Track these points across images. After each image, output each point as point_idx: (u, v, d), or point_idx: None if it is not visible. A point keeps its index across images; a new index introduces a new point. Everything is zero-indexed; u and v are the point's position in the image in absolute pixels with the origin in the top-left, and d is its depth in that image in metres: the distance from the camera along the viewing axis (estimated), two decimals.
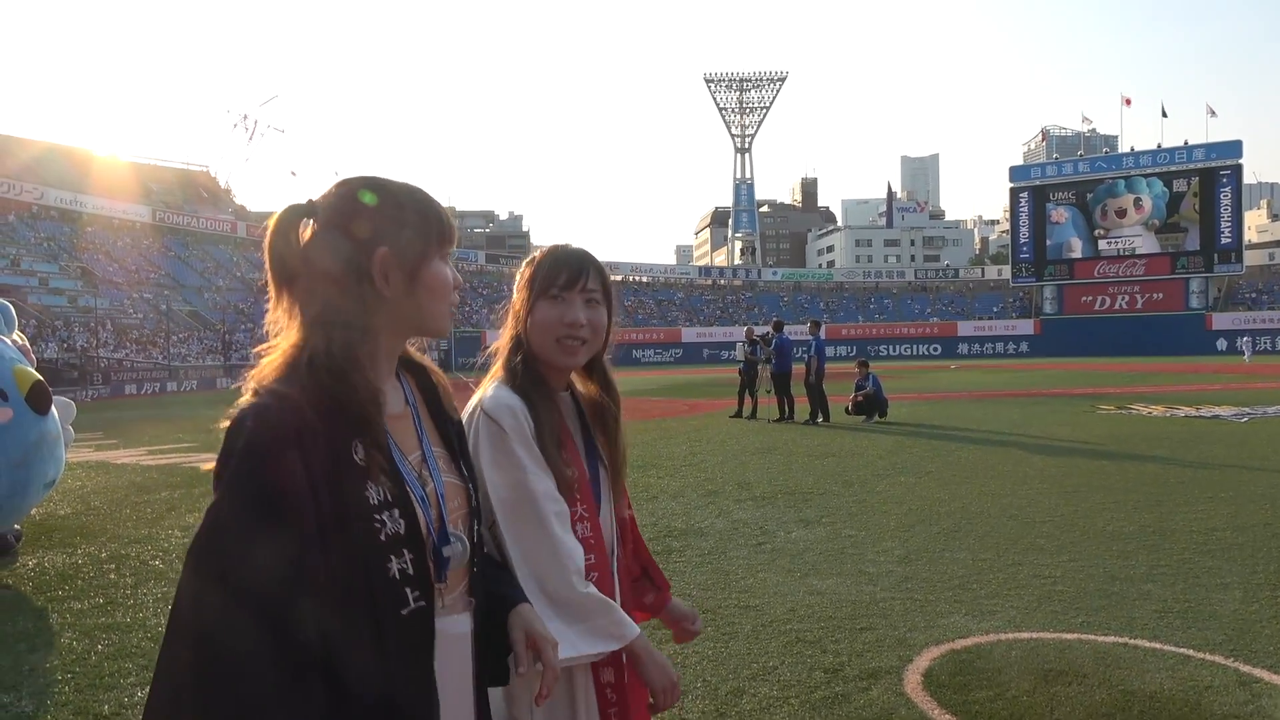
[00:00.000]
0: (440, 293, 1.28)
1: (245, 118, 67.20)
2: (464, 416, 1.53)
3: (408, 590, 1.17)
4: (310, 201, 1.26)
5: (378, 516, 1.15)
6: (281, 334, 1.23)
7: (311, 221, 1.25)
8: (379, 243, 1.23)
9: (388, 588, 1.15)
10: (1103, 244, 66.38)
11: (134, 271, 52.78)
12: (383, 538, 1.15)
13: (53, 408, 6.69)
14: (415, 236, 1.25)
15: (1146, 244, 64.95)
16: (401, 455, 1.23)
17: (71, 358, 37.13)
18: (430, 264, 1.27)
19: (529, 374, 1.68)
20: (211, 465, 1.17)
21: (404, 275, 1.24)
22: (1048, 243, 68.16)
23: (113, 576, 5.95)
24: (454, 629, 1.27)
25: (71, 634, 4.74)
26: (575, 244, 1.79)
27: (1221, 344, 57.47)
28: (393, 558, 1.16)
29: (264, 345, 1.24)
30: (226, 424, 1.15)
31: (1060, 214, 67.61)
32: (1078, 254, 67.22)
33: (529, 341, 1.70)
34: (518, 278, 1.77)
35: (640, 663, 1.65)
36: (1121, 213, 65.88)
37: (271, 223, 1.24)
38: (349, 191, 1.26)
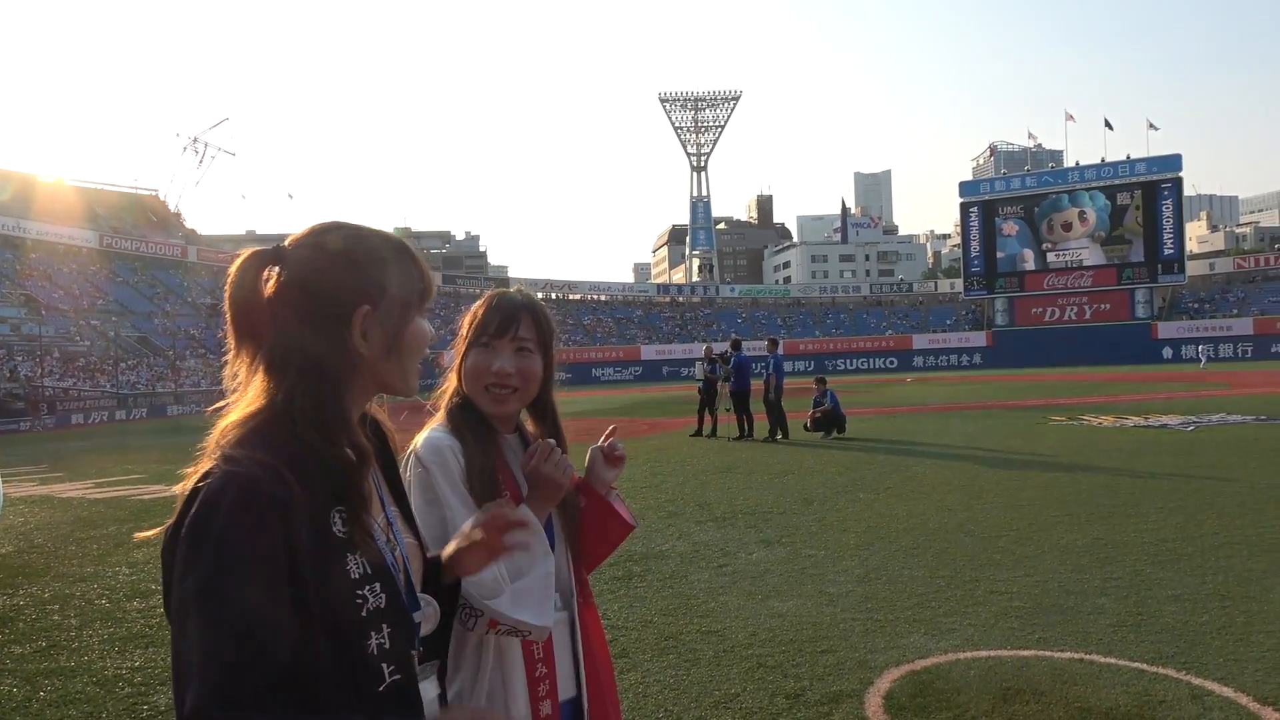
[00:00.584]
0: (420, 353, 1.22)
1: (195, 141, 66.11)
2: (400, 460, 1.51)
3: (384, 666, 1.10)
4: (278, 248, 1.17)
5: (359, 592, 1.08)
6: (241, 391, 1.14)
7: (277, 269, 1.16)
8: (360, 300, 1.14)
9: (366, 666, 1.08)
10: (1051, 256, 67.83)
11: (80, 298, 51.58)
12: (364, 613, 1.08)
13: None
14: (399, 293, 1.18)
15: (1093, 256, 66.49)
16: (372, 520, 1.16)
17: (15, 388, 36.13)
18: (413, 324, 1.20)
19: (467, 415, 1.68)
20: (152, 532, 1.09)
21: (385, 334, 1.16)
22: (998, 256, 69.48)
23: (56, 618, 5.76)
24: (424, 694, 1.21)
25: (12, 680, 4.58)
26: (519, 291, 1.78)
27: (1167, 352, 58.92)
28: (372, 634, 1.09)
29: (221, 404, 1.15)
30: (190, 486, 1.05)
31: (1010, 227, 68.99)
32: (1027, 267, 68.61)
33: (465, 389, 1.71)
34: (460, 325, 1.77)
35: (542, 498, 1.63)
36: (1068, 226, 67.41)
37: (233, 270, 1.15)
38: (324, 241, 1.17)
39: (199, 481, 1.05)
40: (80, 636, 5.32)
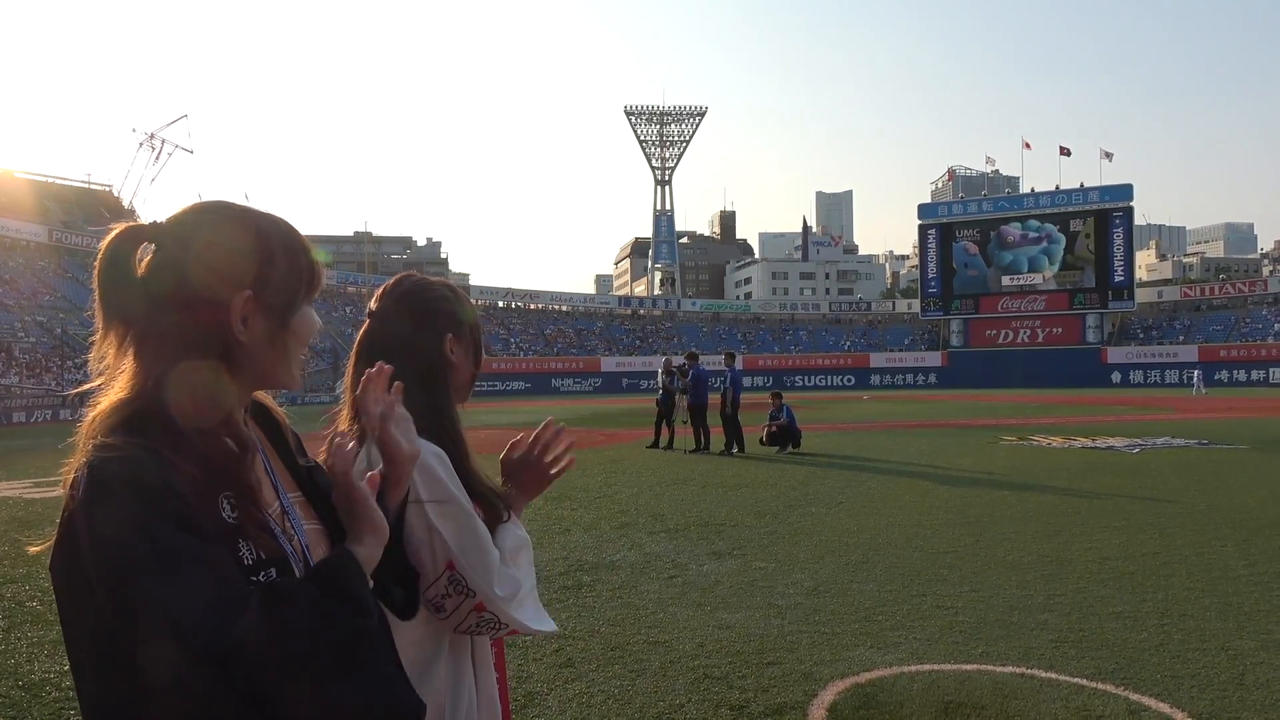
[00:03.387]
0: (305, 343, 1.16)
1: (152, 137, 64.70)
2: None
3: None
4: (155, 224, 1.11)
5: (252, 578, 1.03)
6: (110, 376, 1.09)
7: (154, 247, 1.10)
8: (242, 283, 1.08)
9: None
10: (1005, 280, 69.07)
11: (27, 294, 50.29)
12: None
13: None
14: (285, 279, 1.13)
15: (1046, 281, 67.83)
16: (261, 509, 1.12)
17: None
18: (298, 311, 1.15)
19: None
20: (42, 546, 1.05)
21: (268, 321, 1.11)
22: (955, 278, 70.62)
23: None
24: None
25: None
26: (432, 275, 1.76)
27: (1116, 376, 60.28)
28: None
29: (87, 386, 1.09)
30: (68, 484, 1.01)
31: (970, 248, 70.14)
32: (983, 289, 69.80)
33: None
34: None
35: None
36: (1024, 247, 68.63)
37: (103, 246, 1.09)
38: (205, 220, 1.11)
39: (76, 474, 1.01)
40: (8, 639, 5.15)
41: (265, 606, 0.96)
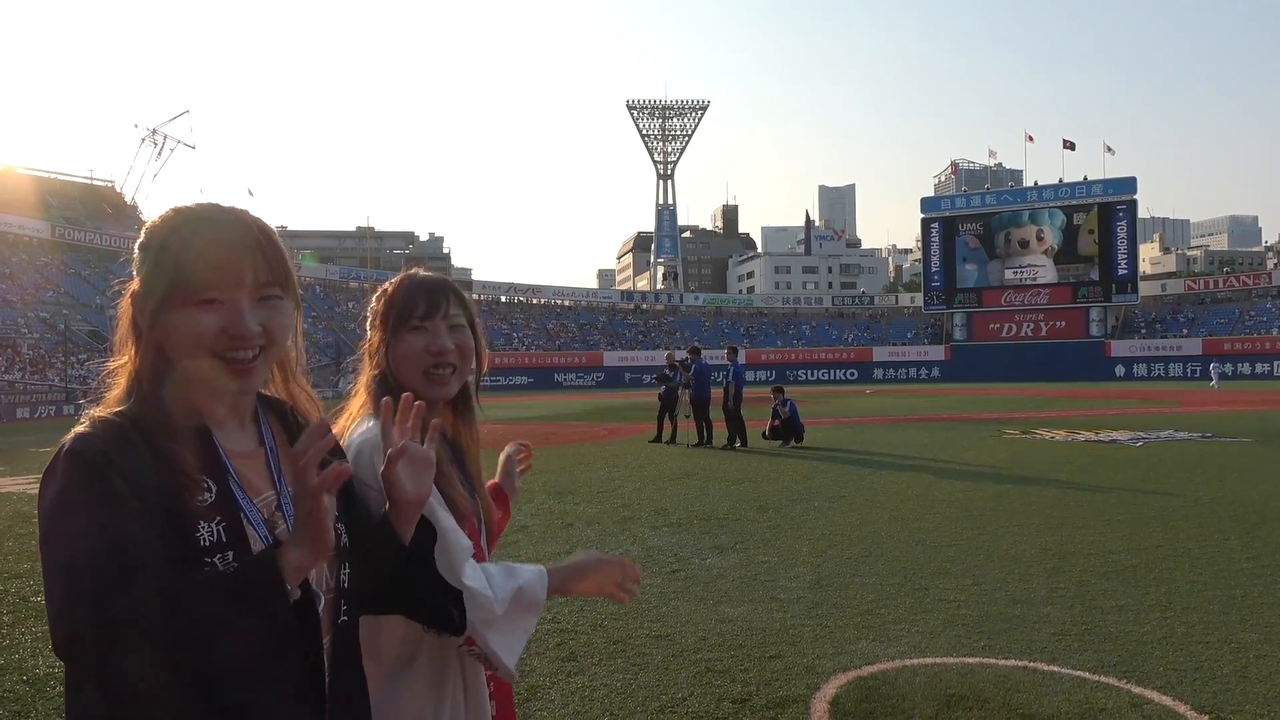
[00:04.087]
0: (183, 351, 1.14)
1: (154, 133, 64.69)
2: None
3: None
4: None
5: (208, 560, 1.07)
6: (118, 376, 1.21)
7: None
8: (134, 278, 1.19)
9: None
10: (1008, 273, 68.95)
11: (30, 290, 50.34)
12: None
13: None
14: (145, 281, 1.17)
15: (1048, 274, 67.71)
16: (245, 495, 1.15)
17: None
18: (165, 314, 1.14)
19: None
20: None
21: (146, 324, 1.16)
22: (958, 271, 70.50)
23: None
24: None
25: None
26: (429, 271, 1.74)
27: (1120, 370, 60.19)
28: None
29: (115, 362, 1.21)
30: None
31: (972, 242, 70.01)
32: (986, 283, 69.68)
33: (395, 378, 1.62)
34: (370, 315, 1.68)
35: (582, 581, 1.63)
36: (1025, 243, 68.61)
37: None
38: (147, 225, 1.22)
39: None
40: (12, 634, 5.16)
41: (170, 596, 0.98)
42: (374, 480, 1.43)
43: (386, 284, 1.69)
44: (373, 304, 1.68)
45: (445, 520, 1.49)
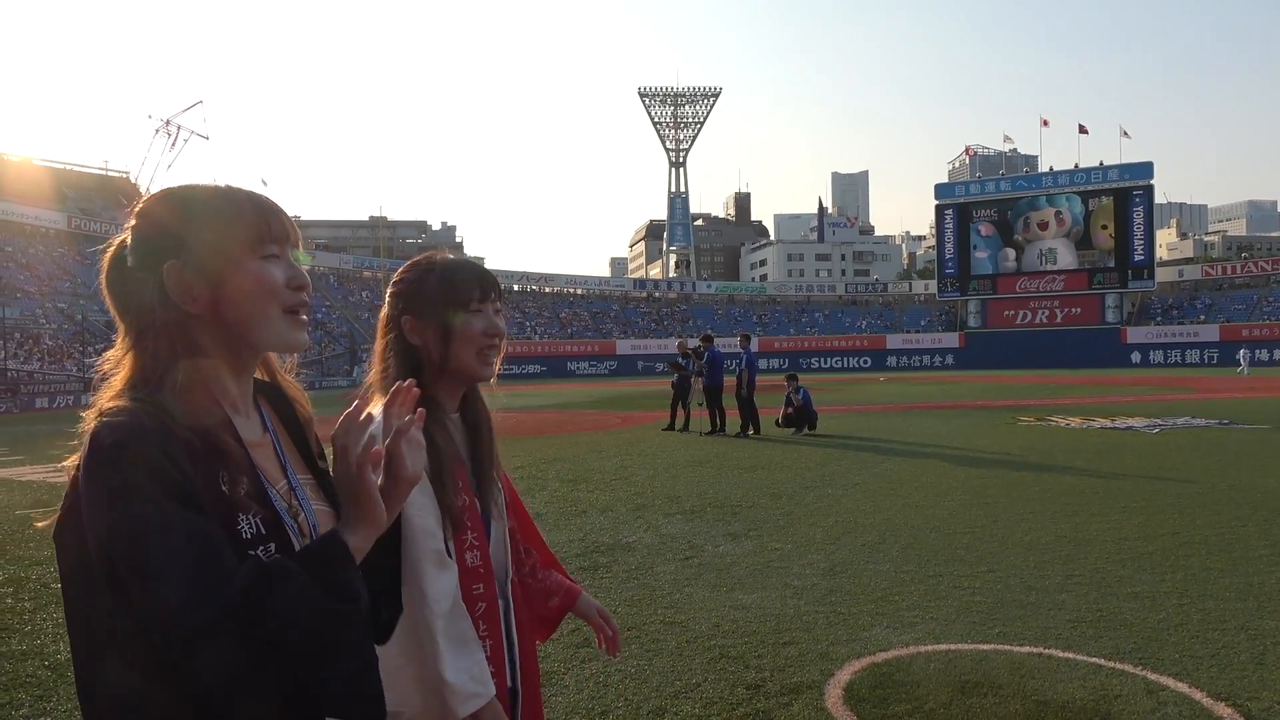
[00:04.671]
0: (258, 297, 1.13)
1: (167, 123, 64.87)
2: None
3: None
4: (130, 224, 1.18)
5: (251, 553, 1.05)
6: (117, 369, 1.15)
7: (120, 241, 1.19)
8: (165, 255, 1.11)
9: None
10: (1025, 258, 68.31)
11: (46, 280, 50.72)
12: None
13: None
14: (210, 240, 1.12)
15: (1065, 258, 67.18)
16: (269, 485, 1.14)
17: None
18: (239, 267, 1.12)
19: (425, 399, 1.61)
20: (49, 520, 1.09)
21: (205, 285, 1.12)
22: (973, 258, 70.07)
23: (9, 601, 5.66)
24: None
25: None
26: (452, 255, 1.76)
27: (1136, 356, 59.76)
28: None
29: (99, 378, 1.15)
30: (78, 454, 1.05)
31: (987, 229, 69.51)
32: (1001, 270, 69.23)
33: (454, 357, 1.62)
34: (409, 292, 1.67)
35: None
36: (1044, 225, 67.94)
37: (105, 258, 1.17)
38: (147, 204, 1.17)
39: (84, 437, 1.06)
40: (33, 620, 5.23)
41: (254, 584, 0.97)
42: None
43: (417, 266, 1.71)
44: (410, 282, 1.68)
45: (419, 520, 1.50)
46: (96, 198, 62.78)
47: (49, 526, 1.10)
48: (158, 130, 64.74)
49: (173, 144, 65.03)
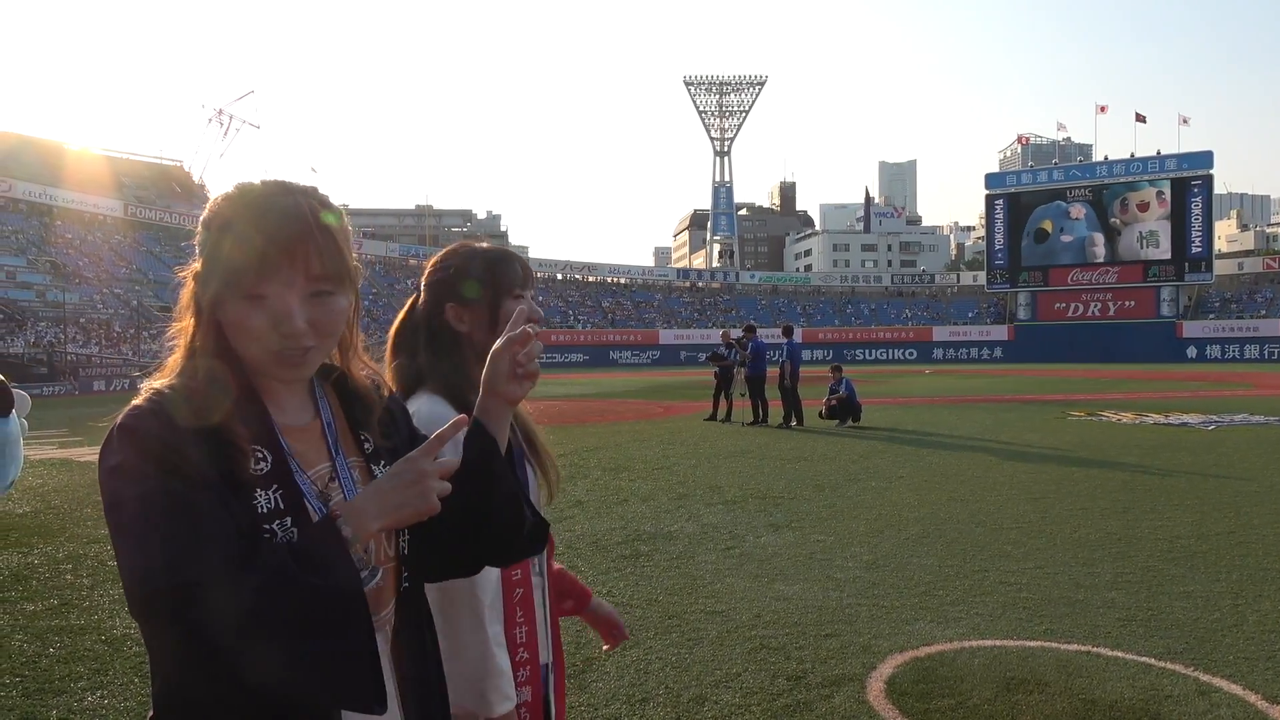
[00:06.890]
0: (237, 336, 1.15)
1: (220, 113, 66.16)
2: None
3: None
4: None
5: (266, 526, 1.09)
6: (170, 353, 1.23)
7: None
8: (198, 259, 1.18)
9: None
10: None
11: (105, 266, 52.06)
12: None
13: (12, 410, 6.56)
14: (212, 260, 1.15)
15: (1120, 251, 65.38)
16: (300, 467, 1.17)
17: (39, 353, 36.54)
18: (223, 305, 1.14)
19: (469, 385, 1.56)
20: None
21: (207, 302, 1.16)
22: (1023, 249, 68.70)
23: (69, 577, 5.83)
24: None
25: (23, 636, 4.64)
26: (489, 243, 1.79)
27: (1191, 351, 58.22)
28: None
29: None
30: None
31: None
32: (1051, 261, 67.78)
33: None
34: (453, 279, 1.69)
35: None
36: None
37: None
38: (211, 200, 1.20)
39: None
40: (91, 596, 5.39)
41: (241, 560, 1.01)
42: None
43: (458, 253, 1.73)
44: (454, 272, 1.70)
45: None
46: (151, 186, 64.24)
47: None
48: (210, 119, 66.07)
49: (225, 133, 66.34)
